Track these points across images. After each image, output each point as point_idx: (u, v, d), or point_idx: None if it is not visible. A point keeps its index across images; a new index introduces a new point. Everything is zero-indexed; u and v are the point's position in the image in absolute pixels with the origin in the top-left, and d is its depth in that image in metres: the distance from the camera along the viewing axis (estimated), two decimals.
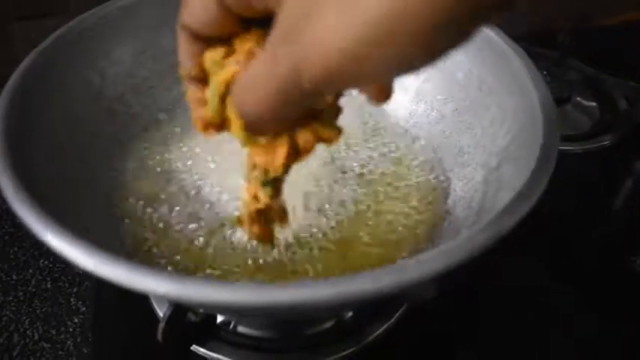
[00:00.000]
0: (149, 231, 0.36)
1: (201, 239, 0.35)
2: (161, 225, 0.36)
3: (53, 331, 0.45)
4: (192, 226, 0.36)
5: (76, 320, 0.45)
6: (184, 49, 0.25)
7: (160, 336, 0.31)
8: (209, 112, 0.25)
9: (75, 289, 0.48)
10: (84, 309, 0.46)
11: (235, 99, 0.22)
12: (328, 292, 0.21)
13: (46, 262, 0.50)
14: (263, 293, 0.21)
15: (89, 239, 0.24)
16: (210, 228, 0.36)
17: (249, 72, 0.21)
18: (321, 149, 0.26)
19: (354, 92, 0.41)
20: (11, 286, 0.48)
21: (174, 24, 0.41)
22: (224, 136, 0.26)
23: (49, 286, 0.48)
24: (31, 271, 0.49)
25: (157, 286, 0.21)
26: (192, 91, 0.26)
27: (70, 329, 0.45)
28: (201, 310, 0.33)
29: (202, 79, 0.25)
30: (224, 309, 0.29)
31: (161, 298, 0.37)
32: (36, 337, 0.45)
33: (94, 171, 0.35)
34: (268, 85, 0.20)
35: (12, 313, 0.46)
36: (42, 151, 0.31)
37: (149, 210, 0.37)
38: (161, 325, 0.31)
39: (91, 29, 0.38)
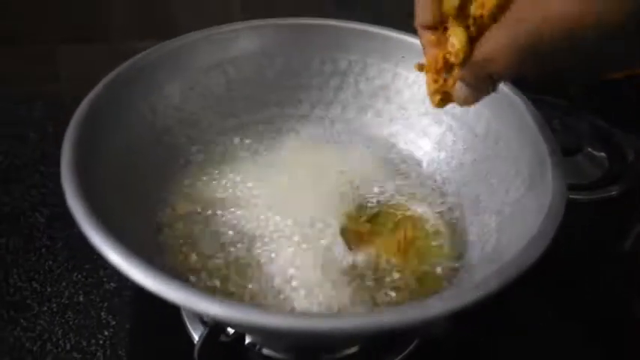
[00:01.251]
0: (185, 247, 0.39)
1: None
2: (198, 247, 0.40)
3: (84, 342, 0.47)
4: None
5: (106, 333, 0.48)
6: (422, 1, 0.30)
7: (196, 354, 0.34)
8: (457, 42, 0.29)
9: (106, 304, 0.50)
10: (114, 323, 0.49)
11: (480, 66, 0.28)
12: (359, 323, 0.24)
13: (79, 277, 0.52)
14: (306, 321, 0.24)
15: (147, 259, 0.27)
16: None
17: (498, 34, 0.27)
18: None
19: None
20: (45, 298, 0.50)
21: (223, 65, 0.46)
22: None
23: (81, 299, 0.51)
24: (64, 283, 0.52)
25: (209, 308, 0.24)
26: (426, 37, 0.31)
27: (101, 341, 0.47)
28: (232, 332, 0.36)
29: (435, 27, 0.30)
30: (263, 331, 0.31)
31: (197, 320, 0.39)
32: (68, 347, 0.47)
33: (142, 196, 0.38)
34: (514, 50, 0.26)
35: (46, 323, 0.49)
36: (100, 178, 0.34)
37: (188, 231, 0.40)
38: (198, 344, 0.34)
39: (146, 67, 0.42)
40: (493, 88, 0.31)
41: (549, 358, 0.45)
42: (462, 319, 0.40)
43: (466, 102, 0.32)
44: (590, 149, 0.65)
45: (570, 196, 0.58)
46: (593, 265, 0.54)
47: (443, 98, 0.33)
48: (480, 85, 0.30)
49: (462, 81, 0.31)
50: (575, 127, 0.67)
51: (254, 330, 0.29)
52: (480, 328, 0.46)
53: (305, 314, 0.23)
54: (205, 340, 0.34)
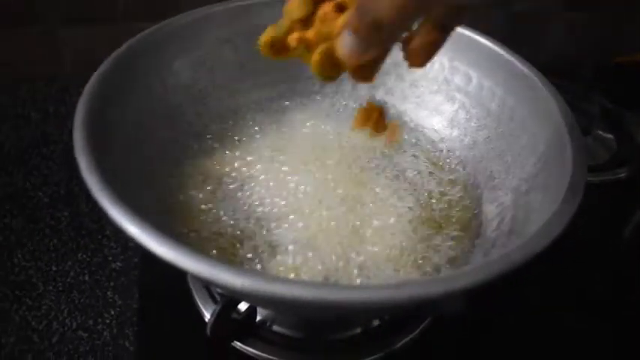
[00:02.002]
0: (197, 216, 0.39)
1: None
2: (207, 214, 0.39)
3: (90, 322, 0.47)
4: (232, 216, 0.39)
5: (112, 312, 0.48)
6: None
7: (208, 331, 0.34)
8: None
9: (112, 283, 0.50)
10: (120, 302, 0.48)
11: (363, 9, 0.25)
12: (383, 295, 0.24)
13: (84, 256, 0.52)
14: (334, 291, 0.23)
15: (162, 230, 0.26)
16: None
17: None
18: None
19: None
20: (50, 277, 0.50)
21: (235, 40, 0.45)
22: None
23: (86, 278, 0.50)
24: (69, 263, 0.51)
25: (234, 281, 0.24)
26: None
27: (107, 321, 0.47)
28: (243, 310, 0.36)
29: None
30: (287, 304, 0.30)
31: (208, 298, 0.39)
32: (74, 325, 0.47)
33: (153, 168, 0.38)
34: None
35: (51, 302, 0.48)
36: (112, 150, 0.33)
37: (199, 199, 0.40)
38: (211, 320, 0.34)
39: (157, 41, 0.41)
40: (386, 41, 0.27)
41: (556, 338, 0.45)
42: (474, 299, 0.40)
43: (351, 55, 0.27)
44: (599, 131, 0.65)
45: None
46: (602, 246, 0.54)
47: (276, 48, 0.31)
48: (367, 35, 0.26)
49: (346, 29, 0.27)
50: (585, 110, 0.67)
51: (275, 302, 0.28)
52: (490, 308, 0.46)
53: (333, 285, 0.23)
54: (218, 316, 0.34)
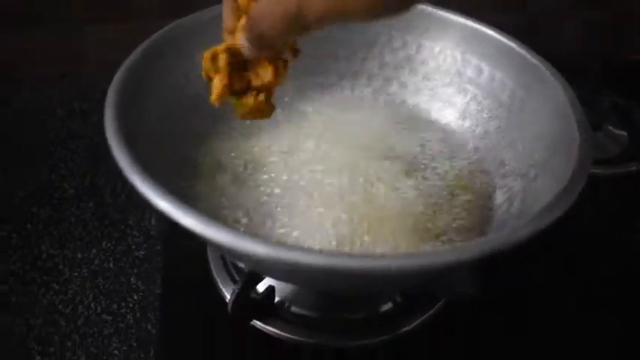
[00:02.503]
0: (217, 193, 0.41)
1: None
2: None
3: (114, 306, 0.49)
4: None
5: (135, 297, 0.49)
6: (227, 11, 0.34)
7: (230, 309, 0.35)
8: None
9: (135, 270, 0.52)
10: (143, 288, 0.50)
11: (252, 22, 0.31)
12: (402, 263, 0.25)
13: (108, 245, 0.54)
14: (356, 260, 0.25)
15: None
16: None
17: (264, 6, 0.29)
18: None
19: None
20: (76, 264, 0.52)
21: None
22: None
23: (111, 265, 0.52)
24: (94, 251, 0.53)
25: (255, 249, 0.25)
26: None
27: (130, 305, 0.49)
28: (262, 291, 0.37)
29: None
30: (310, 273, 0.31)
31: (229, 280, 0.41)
32: (99, 309, 0.49)
33: (175, 153, 0.40)
34: (278, 15, 0.28)
35: (77, 287, 0.50)
36: (139, 137, 0.35)
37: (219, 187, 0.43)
38: (231, 299, 0.35)
39: (181, 35, 0.43)
40: (272, 48, 0.32)
41: (566, 326, 0.46)
42: (485, 284, 0.42)
43: (249, 54, 0.33)
44: (610, 127, 0.66)
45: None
46: (611, 238, 0.55)
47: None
48: (255, 43, 0.32)
49: (243, 34, 0.32)
50: (596, 106, 0.68)
51: (296, 272, 0.30)
52: (500, 296, 0.47)
53: (353, 255, 0.24)
54: (238, 295, 0.35)
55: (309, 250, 0.26)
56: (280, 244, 0.26)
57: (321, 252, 0.25)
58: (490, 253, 0.27)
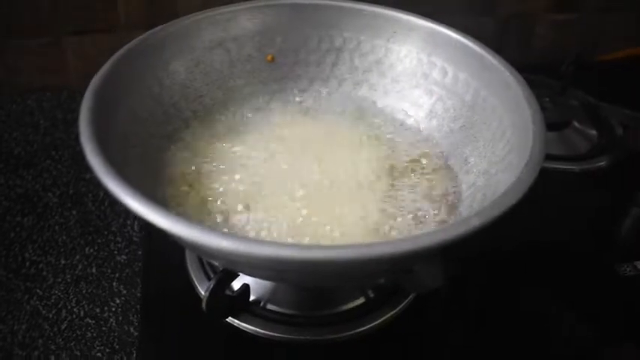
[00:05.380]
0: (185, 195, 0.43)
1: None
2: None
3: (97, 310, 0.50)
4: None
5: (117, 301, 0.51)
6: None
7: (204, 305, 0.37)
8: None
9: (117, 275, 0.53)
10: (125, 292, 0.51)
11: None
12: (370, 252, 0.27)
13: (91, 250, 0.55)
14: (326, 251, 0.26)
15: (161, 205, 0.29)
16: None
17: None
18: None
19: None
20: (59, 270, 0.53)
21: (226, 44, 0.48)
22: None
23: (94, 271, 0.53)
24: (77, 257, 0.54)
25: (223, 244, 0.27)
26: None
27: (113, 309, 0.50)
28: (237, 288, 0.38)
29: None
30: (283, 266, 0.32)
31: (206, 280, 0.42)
32: (82, 314, 0.50)
33: (148, 158, 0.42)
34: None
35: (60, 292, 0.51)
36: (112, 141, 0.37)
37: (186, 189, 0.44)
38: (205, 296, 0.37)
39: (154, 44, 0.45)
40: None
41: (535, 326, 0.47)
42: (455, 279, 0.43)
43: None
44: (579, 124, 0.68)
45: (559, 167, 0.61)
46: (584, 230, 0.57)
47: None
48: None
49: None
50: (565, 104, 0.70)
51: (268, 266, 0.31)
52: (469, 291, 0.49)
53: (319, 246, 0.26)
54: (212, 291, 0.37)
55: (263, 242, 0.27)
56: (234, 235, 0.27)
57: (276, 243, 0.26)
58: (443, 242, 0.28)
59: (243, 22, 0.50)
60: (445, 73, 0.48)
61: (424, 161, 0.47)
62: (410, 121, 0.51)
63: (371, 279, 0.44)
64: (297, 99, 0.53)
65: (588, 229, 0.57)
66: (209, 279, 0.46)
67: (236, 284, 0.43)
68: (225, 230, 0.39)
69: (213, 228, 0.39)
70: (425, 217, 0.42)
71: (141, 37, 0.44)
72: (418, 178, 0.45)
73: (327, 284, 0.43)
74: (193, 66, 0.48)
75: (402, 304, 0.46)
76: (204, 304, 0.37)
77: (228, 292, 0.41)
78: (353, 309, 0.45)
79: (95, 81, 0.38)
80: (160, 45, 0.46)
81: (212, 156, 0.46)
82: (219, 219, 0.41)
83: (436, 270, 0.40)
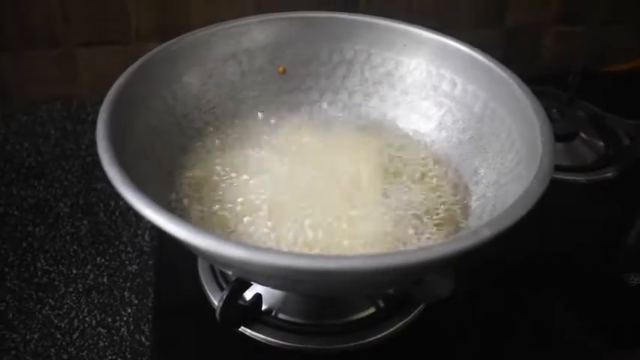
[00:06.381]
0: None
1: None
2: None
3: (109, 319, 0.51)
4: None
5: (129, 310, 0.51)
6: None
7: (217, 315, 0.37)
8: None
9: (128, 284, 0.53)
10: (136, 301, 0.52)
11: None
12: (375, 263, 0.27)
13: (102, 260, 0.56)
14: (336, 261, 0.27)
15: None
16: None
17: None
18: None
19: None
20: (71, 279, 0.54)
21: (238, 56, 0.49)
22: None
23: (105, 280, 0.54)
24: (89, 267, 0.55)
25: (235, 254, 0.27)
26: None
27: (124, 318, 0.51)
28: (249, 298, 0.39)
29: None
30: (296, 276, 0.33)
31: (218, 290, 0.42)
32: (94, 323, 0.50)
33: (161, 169, 0.42)
34: None
35: (72, 302, 0.52)
36: (128, 153, 0.37)
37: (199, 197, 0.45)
38: (219, 305, 0.37)
39: (168, 57, 0.46)
40: None
41: (544, 335, 0.48)
42: (464, 292, 0.44)
43: None
44: (586, 135, 0.68)
45: (567, 178, 0.62)
46: (591, 241, 0.57)
47: None
48: None
49: None
50: (572, 115, 0.70)
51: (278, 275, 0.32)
52: (478, 301, 0.49)
53: (332, 256, 0.26)
54: (226, 301, 0.37)
55: (281, 252, 0.28)
56: (252, 245, 0.27)
57: (293, 254, 0.27)
58: (455, 253, 0.29)
59: (256, 34, 0.51)
60: (454, 85, 0.49)
61: (434, 172, 0.47)
62: (420, 133, 0.51)
63: (382, 288, 0.44)
64: (308, 111, 0.53)
65: (595, 239, 0.57)
66: (221, 288, 0.46)
67: (248, 294, 0.44)
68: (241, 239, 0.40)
69: (235, 239, 0.39)
70: (435, 227, 0.42)
71: (155, 49, 0.45)
72: (428, 190, 0.46)
73: (339, 294, 0.44)
74: (206, 78, 0.49)
75: (412, 314, 0.46)
76: (218, 314, 0.38)
77: (240, 302, 0.41)
78: (363, 318, 0.46)
79: (111, 93, 0.39)
80: (174, 58, 0.46)
81: (224, 167, 0.47)
82: (229, 229, 0.41)
83: (446, 280, 0.40)
